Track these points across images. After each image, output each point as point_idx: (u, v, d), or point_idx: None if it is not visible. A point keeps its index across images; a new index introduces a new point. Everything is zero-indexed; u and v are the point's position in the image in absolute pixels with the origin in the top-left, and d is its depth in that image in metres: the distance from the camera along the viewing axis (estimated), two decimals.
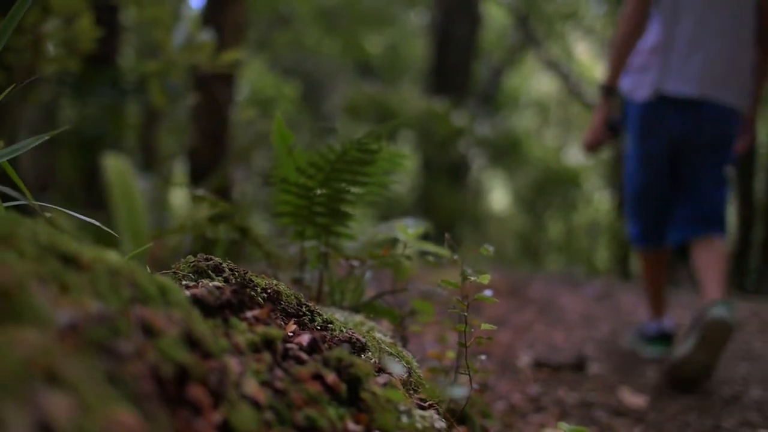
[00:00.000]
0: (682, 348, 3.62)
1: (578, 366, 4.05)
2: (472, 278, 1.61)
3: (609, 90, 4.39)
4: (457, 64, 13.58)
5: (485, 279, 1.63)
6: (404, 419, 1.15)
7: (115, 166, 3.77)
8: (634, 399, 3.49)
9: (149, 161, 8.79)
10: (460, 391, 1.31)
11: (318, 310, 1.43)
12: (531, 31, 17.58)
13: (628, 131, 4.49)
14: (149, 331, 0.84)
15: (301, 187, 1.89)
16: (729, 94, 4.17)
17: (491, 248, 1.76)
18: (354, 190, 1.92)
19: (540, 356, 4.21)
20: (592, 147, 4.57)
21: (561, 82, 17.57)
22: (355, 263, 2.01)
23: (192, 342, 0.90)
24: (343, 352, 1.15)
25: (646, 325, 4.61)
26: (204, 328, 0.96)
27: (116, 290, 0.87)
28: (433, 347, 2.45)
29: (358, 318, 1.75)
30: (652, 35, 4.26)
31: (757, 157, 13.21)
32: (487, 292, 1.75)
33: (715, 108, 4.15)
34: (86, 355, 0.73)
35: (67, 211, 1.54)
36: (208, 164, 4.74)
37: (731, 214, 14.62)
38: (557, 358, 4.17)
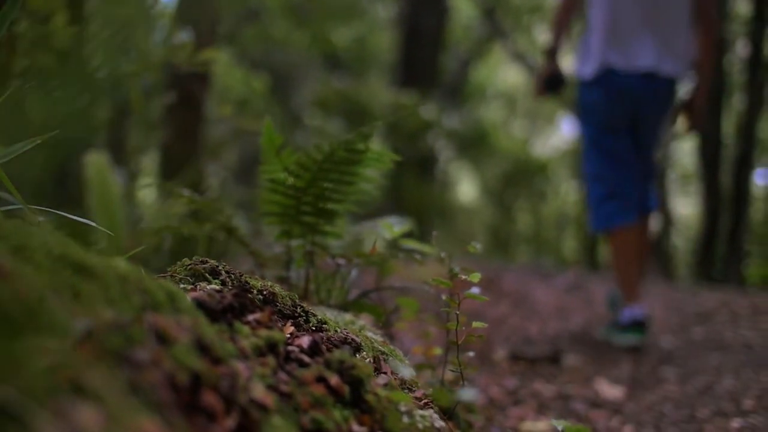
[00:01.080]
0: (615, 339, 4.49)
1: (554, 358, 4.09)
2: (463, 276, 1.63)
3: (549, 52, 4.85)
4: (424, 56, 13.59)
5: (475, 278, 1.65)
6: (405, 419, 1.17)
7: (95, 164, 3.76)
8: (610, 390, 3.53)
9: (117, 156, 8.73)
10: (470, 394, 1.32)
11: (312, 311, 1.44)
12: (498, 23, 17.64)
13: (584, 112, 4.87)
14: (162, 338, 0.84)
15: (289, 187, 1.90)
16: (671, 66, 4.56)
17: (479, 245, 1.77)
18: (341, 189, 1.93)
19: (516, 349, 4.25)
20: (538, 95, 5.03)
21: (527, 74, 17.64)
22: (341, 261, 2.02)
23: (202, 348, 0.91)
24: (344, 354, 1.16)
25: (619, 313, 4.70)
26: (212, 333, 0.97)
27: (127, 298, 0.87)
28: (415, 343, 2.46)
29: (348, 317, 1.76)
30: (601, 18, 4.60)
31: (723, 147, 13.36)
32: (475, 290, 1.77)
33: (661, 79, 4.55)
34: (105, 363, 0.74)
35: (53, 210, 1.53)
36: (182, 160, 4.73)
37: (698, 205, 14.81)
38: (533, 350, 4.21)
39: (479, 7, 17.92)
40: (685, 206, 18.54)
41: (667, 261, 14.29)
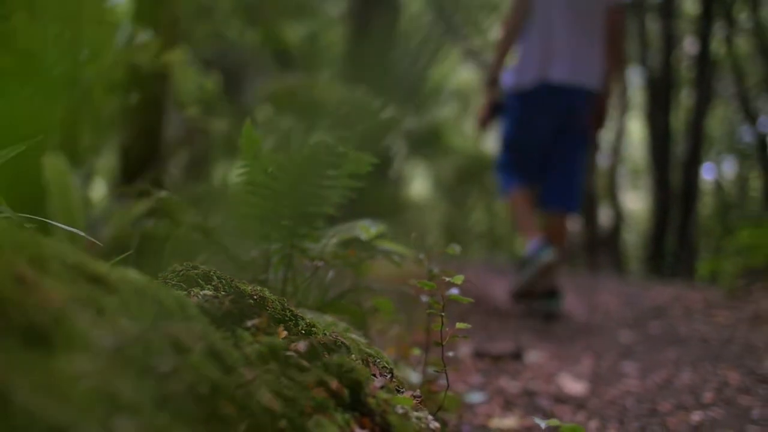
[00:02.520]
0: (526, 274, 5.23)
1: (516, 355, 4.14)
2: (447, 279, 1.65)
3: (492, 81, 5.78)
4: (375, 53, 13.56)
5: (459, 280, 1.68)
6: (402, 422, 1.19)
7: (54, 166, 3.71)
8: (573, 386, 3.58)
9: (70, 156, 8.59)
10: (477, 397, 1.34)
11: (300, 314, 1.45)
12: (450, 21, 17.70)
13: (510, 114, 5.71)
14: (179, 348, 0.85)
15: (268, 190, 1.91)
16: (588, 79, 5.44)
17: (458, 248, 1.80)
18: (320, 192, 1.94)
19: (479, 346, 4.29)
20: (483, 125, 5.94)
21: (481, 71, 17.74)
22: (320, 263, 2.03)
23: (214, 356, 0.92)
24: (342, 357, 1.18)
25: (529, 248, 5.39)
26: (221, 341, 0.98)
27: (144, 309, 0.88)
28: (389, 344, 2.48)
29: (329, 318, 1.77)
30: (530, 39, 5.48)
31: (672, 143, 13.56)
32: (454, 291, 1.80)
33: (578, 90, 5.42)
34: (133, 377, 0.75)
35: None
36: (143, 161, 4.69)
37: (648, 200, 15.01)
38: (496, 347, 4.25)
39: (431, 5, 17.97)
40: (635, 201, 18.78)
41: (618, 256, 14.48)
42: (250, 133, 1.87)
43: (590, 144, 6.12)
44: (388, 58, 12.99)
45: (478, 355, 4.17)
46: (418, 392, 1.44)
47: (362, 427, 1.12)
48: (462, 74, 22.49)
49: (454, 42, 18.54)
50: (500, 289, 6.75)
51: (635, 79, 16.78)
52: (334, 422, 1.05)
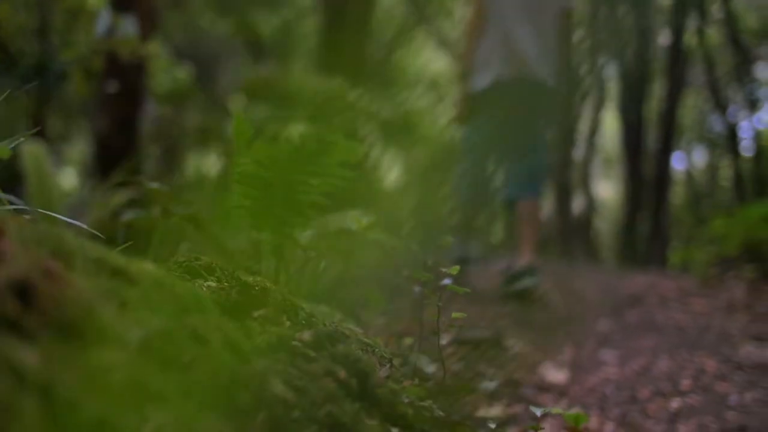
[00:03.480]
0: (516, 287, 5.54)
1: (496, 341, 4.15)
2: (445, 270, 1.67)
3: (464, 76, 6.09)
4: (349, 42, 13.53)
5: (455, 270, 1.70)
6: (409, 411, 1.20)
7: (32, 154, 3.68)
8: (555, 375, 3.61)
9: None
10: (491, 386, 1.36)
11: (300, 305, 1.45)
12: (422, 9, 17.71)
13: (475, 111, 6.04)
14: (199, 339, 0.86)
15: (259, 180, 1.91)
16: (542, 76, 5.85)
17: (451, 239, 1.82)
18: (310, 181, 1.94)
19: (460, 334, 4.30)
20: (462, 119, 6.17)
21: (452, 59, 17.75)
22: (312, 254, 2.04)
23: (230, 346, 0.93)
24: (348, 348, 1.19)
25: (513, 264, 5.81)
26: (235, 332, 0.99)
27: (164, 301, 0.89)
28: (377, 333, 2.49)
29: (325, 308, 1.78)
30: (488, 40, 5.90)
31: (645, 135, 13.66)
32: (447, 281, 1.81)
33: (535, 84, 5.83)
34: (160, 368, 0.75)
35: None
36: (119, 152, 4.65)
37: (621, 189, 15.13)
38: (476, 335, 4.26)
39: None
40: (608, 190, 18.91)
41: (591, 245, 14.59)
42: (242, 124, 1.87)
43: (547, 135, 6.54)
44: (363, 48, 12.99)
45: (459, 342, 4.18)
46: (416, 381, 1.45)
47: (371, 416, 1.13)
48: (435, 63, 22.48)
49: (427, 31, 18.57)
50: (478, 278, 6.77)
51: (610, 71, 16.87)
52: (345, 412, 1.06)
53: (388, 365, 1.45)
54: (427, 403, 1.26)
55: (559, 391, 3.33)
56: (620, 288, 6.43)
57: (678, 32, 13.67)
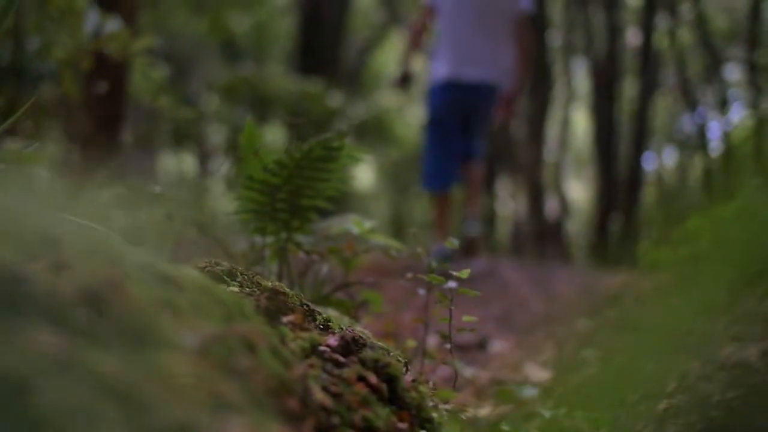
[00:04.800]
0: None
1: (481, 345, 4.19)
2: (455, 273, 1.69)
3: (404, 75, 7.07)
4: (325, 43, 13.54)
5: (465, 274, 1.71)
6: (435, 414, 1.22)
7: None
8: (539, 374, 3.64)
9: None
10: (529, 392, 1.37)
11: (316, 309, 1.46)
12: (395, 9, 17.76)
13: (429, 103, 7.03)
14: (249, 346, 0.87)
15: (265, 185, 1.92)
16: (497, 76, 6.70)
17: (456, 241, 1.83)
18: (314, 186, 1.96)
19: (417, 338, 4.32)
20: (397, 86, 7.25)
21: (425, 59, 17.82)
22: (315, 257, 2.05)
23: (274, 353, 0.94)
24: (377, 353, 1.20)
25: (435, 248, 6.16)
26: (275, 338, 1.00)
27: (211, 308, 0.89)
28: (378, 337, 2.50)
29: (333, 312, 1.79)
30: (440, 40, 6.70)
31: (618, 138, 13.78)
32: (452, 284, 1.83)
33: (483, 84, 6.64)
34: (221, 376, 0.76)
35: None
36: (103, 152, 4.62)
37: (592, 189, 15.23)
38: (461, 338, 4.29)
39: None
40: (579, 191, 19.03)
41: (563, 245, 14.68)
42: (251, 130, 1.88)
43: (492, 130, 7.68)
44: (339, 50, 13.02)
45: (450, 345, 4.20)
46: (432, 384, 1.46)
47: (402, 420, 1.14)
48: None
49: (398, 30, 18.62)
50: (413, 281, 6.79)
51: (579, 70, 16.98)
52: (380, 416, 1.07)
53: (404, 369, 1.46)
54: (449, 406, 1.28)
55: (545, 391, 3.35)
56: (597, 288, 6.47)
57: (648, 32, 13.80)
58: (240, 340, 0.86)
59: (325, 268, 2.14)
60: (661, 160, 18.24)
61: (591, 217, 15.22)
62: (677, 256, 6.70)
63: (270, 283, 1.37)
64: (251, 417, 0.71)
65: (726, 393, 3.19)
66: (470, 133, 6.91)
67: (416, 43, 7.05)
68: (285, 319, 1.18)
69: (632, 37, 15.28)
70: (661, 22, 14.79)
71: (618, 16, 14.62)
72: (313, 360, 1.10)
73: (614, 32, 14.44)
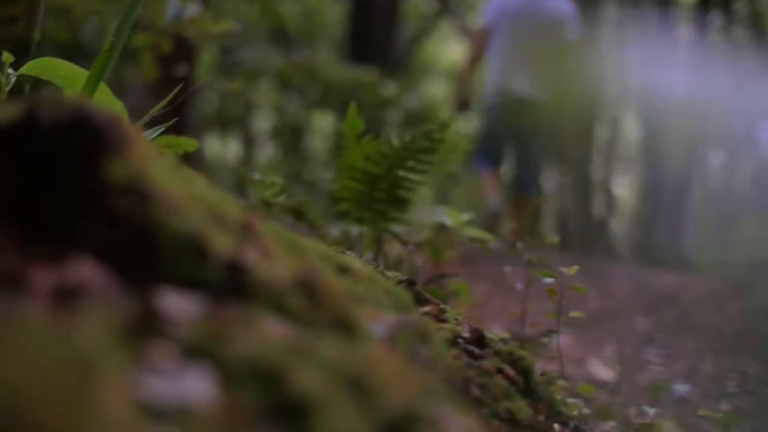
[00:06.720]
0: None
1: (544, 338, 4.18)
2: (564, 270, 1.70)
3: (463, 101, 7.47)
4: (378, 31, 13.48)
5: (572, 271, 1.72)
6: (564, 409, 1.24)
7: None
8: (603, 371, 3.63)
9: None
10: (683, 389, 1.38)
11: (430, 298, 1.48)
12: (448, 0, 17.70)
13: (483, 117, 7.64)
14: (423, 337, 0.89)
15: (366, 174, 1.94)
16: (538, 92, 7.05)
17: (557, 237, 1.84)
18: (414, 177, 1.97)
19: (511, 330, 4.32)
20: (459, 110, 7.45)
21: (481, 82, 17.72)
22: (411, 248, 2.07)
23: (438, 343, 0.96)
24: (511, 346, 1.22)
25: (490, 202, 6.97)
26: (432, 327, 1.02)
27: (383, 298, 0.92)
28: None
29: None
30: (493, 58, 7.14)
31: (667, 136, 13.61)
32: (549, 281, 1.84)
33: (531, 102, 7.02)
34: (414, 366, 0.78)
35: None
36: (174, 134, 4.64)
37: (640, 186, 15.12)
38: (526, 331, 4.28)
39: None
40: (627, 187, 18.88)
41: (610, 241, 14.60)
42: (354, 118, 1.90)
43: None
44: (391, 38, 12.97)
45: (513, 338, 4.20)
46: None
47: (537, 412, 1.16)
48: (452, 53, 22.41)
49: (450, 20, 18.57)
50: (515, 274, 6.78)
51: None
52: (522, 408, 1.09)
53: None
54: (574, 400, 1.29)
55: (611, 388, 3.34)
56: (649, 286, 6.44)
57: (702, 30, 13.65)
58: (414, 330, 0.88)
59: (419, 259, 2.16)
60: (707, 161, 18.03)
61: (637, 215, 15.12)
62: (733, 259, 6.63)
63: (397, 274, 1.39)
64: (455, 408, 0.73)
65: None
66: (522, 160, 7.42)
67: (473, 67, 7.49)
68: (422, 310, 1.19)
69: (685, 33, 15.12)
70: (715, 19, 14.62)
71: (671, 13, 14.46)
72: (456, 351, 1.12)
73: (667, 29, 14.29)
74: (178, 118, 4.65)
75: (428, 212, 2.26)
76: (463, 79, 7.60)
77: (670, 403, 3.17)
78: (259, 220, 0.82)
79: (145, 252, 0.66)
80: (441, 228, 2.19)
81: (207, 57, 12.65)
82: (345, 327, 0.74)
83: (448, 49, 21.88)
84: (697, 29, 13.91)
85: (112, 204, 0.65)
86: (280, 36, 16.80)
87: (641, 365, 3.75)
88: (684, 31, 15.35)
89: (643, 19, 14.65)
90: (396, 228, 2.10)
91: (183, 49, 4.17)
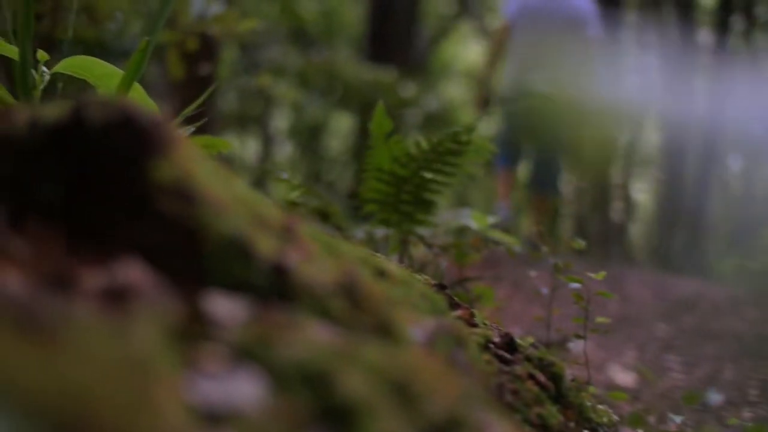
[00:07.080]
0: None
1: (564, 343, 4.17)
2: (592, 275, 1.69)
3: (485, 98, 7.47)
4: (397, 31, 13.45)
5: (600, 276, 1.72)
6: (593, 415, 1.23)
7: None
8: (623, 377, 3.62)
9: None
10: (715, 397, 1.38)
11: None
12: (467, 1, 17.67)
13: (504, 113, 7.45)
14: (458, 340, 0.89)
15: (393, 176, 1.94)
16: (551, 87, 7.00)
17: (582, 242, 1.84)
18: (440, 179, 1.97)
19: (532, 335, 4.31)
20: (479, 109, 7.49)
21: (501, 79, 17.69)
22: (436, 250, 2.07)
23: (470, 348, 0.95)
24: (542, 351, 1.22)
25: (500, 209, 6.85)
26: (468, 332, 1.01)
27: (420, 302, 0.91)
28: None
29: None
30: (512, 55, 7.17)
31: (687, 139, 13.55)
32: (575, 286, 1.84)
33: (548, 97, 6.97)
34: (453, 371, 0.78)
35: None
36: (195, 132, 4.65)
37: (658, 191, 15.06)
38: (546, 336, 4.27)
39: None
40: (645, 192, 18.80)
41: (627, 247, 14.54)
42: (381, 118, 1.90)
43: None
44: (410, 39, 12.96)
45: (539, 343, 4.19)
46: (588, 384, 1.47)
47: (567, 418, 1.15)
48: (470, 54, 22.36)
49: (469, 21, 18.54)
50: (537, 277, 6.76)
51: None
52: (553, 414, 1.09)
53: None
54: (603, 406, 1.29)
55: (631, 394, 3.33)
56: (668, 292, 6.40)
57: (723, 34, 13.58)
58: (451, 335, 0.88)
59: (444, 262, 2.16)
60: (726, 166, 17.91)
61: (656, 220, 15.05)
62: (752, 265, 6.60)
63: (427, 277, 1.39)
64: (495, 413, 0.72)
65: None
66: (541, 158, 7.42)
67: (494, 65, 7.48)
68: (454, 314, 1.19)
69: (706, 37, 15.03)
70: (737, 23, 14.54)
71: (692, 17, 14.39)
72: (488, 356, 1.12)
73: (688, 32, 14.22)
74: (201, 115, 4.66)
75: (452, 214, 2.25)
76: (484, 78, 7.62)
77: (692, 409, 3.15)
78: (299, 222, 0.82)
79: (191, 254, 0.66)
80: (465, 230, 2.19)
81: (227, 55, 12.67)
82: (386, 331, 0.74)
83: (467, 51, 21.85)
84: (717, 33, 13.82)
85: (159, 206, 0.66)
86: (299, 35, 16.81)
87: (661, 371, 3.73)
88: (704, 35, 15.27)
89: (664, 22, 14.60)
90: (421, 230, 2.10)
91: (206, 48, 4.17)
